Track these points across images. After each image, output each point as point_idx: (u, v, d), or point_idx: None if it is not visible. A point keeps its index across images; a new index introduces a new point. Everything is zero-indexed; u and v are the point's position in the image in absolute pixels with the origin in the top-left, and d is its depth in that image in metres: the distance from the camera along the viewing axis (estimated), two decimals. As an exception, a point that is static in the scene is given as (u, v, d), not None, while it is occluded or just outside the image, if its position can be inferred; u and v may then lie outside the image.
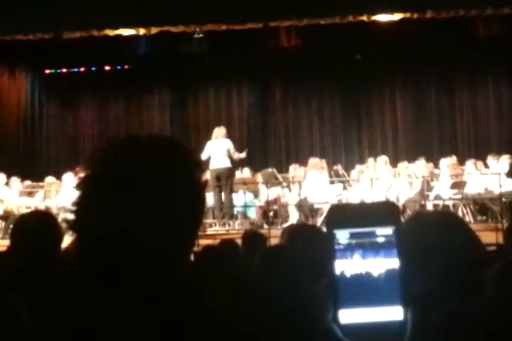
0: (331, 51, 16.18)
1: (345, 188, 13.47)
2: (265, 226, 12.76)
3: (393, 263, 1.24)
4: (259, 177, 13.92)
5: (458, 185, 12.55)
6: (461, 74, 17.29)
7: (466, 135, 17.52)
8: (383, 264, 1.24)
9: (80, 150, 17.79)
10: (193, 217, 1.27)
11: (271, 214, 13.28)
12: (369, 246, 1.24)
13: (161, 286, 1.21)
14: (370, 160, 14.44)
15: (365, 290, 1.23)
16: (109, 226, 1.21)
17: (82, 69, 18.46)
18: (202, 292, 1.30)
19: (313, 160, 13.71)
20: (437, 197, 12.67)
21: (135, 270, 1.20)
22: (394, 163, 14.24)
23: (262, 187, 13.47)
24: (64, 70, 18.55)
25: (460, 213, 12.66)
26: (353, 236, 1.24)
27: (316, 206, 12.92)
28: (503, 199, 11.97)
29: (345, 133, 17.97)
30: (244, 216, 13.23)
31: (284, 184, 13.68)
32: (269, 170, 13.84)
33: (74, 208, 1.26)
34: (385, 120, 18.08)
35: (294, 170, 14.00)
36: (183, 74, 17.42)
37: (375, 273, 1.24)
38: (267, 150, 17.84)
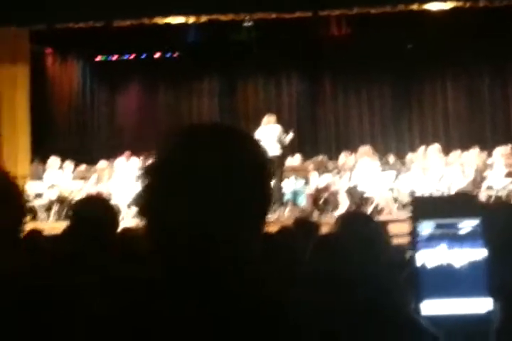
0: (381, 40, 16.04)
1: (396, 177, 13.34)
2: (315, 213, 12.74)
3: (478, 254, 1.20)
4: (309, 164, 13.89)
5: (512, 174, 12.37)
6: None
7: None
8: (468, 255, 1.21)
9: (130, 136, 17.94)
10: (260, 204, 1.27)
11: (321, 201, 13.24)
12: (454, 237, 1.21)
13: (228, 274, 1.21)
14: (422, 148, 14.28)
15: (448, 281, 1.19)
16: (177, 213, 1.21)
17: (132, 56, 18.60)
18: (274, 281, 1.29)
19: (364, 148, 13.61)
20: (490, 187, 12.49)
21: (202, 257, 1.21)
22: (445, 152, 14.06)
23: (312, 175, 13.44)
24: (114, 57, 18.71)
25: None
26: (438, 227, 1.21)
27: (366, 194, 12.85)
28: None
29: (395, 122, 17.82)
30: (294, 203, 13.21)
31: (335, 171, 13.63)
32: (320, 157, 13.80)
33: (142, 194, 1.27)
34: (437, 109, 17.88)
35: (345, 158, 13.93)
36: (232, 61, 17.43)
37: (459, 265, 1.20)
38: (317, 139, 17.78)
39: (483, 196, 12.48)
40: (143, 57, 18.55)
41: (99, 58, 18.74)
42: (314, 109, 18.30)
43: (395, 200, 13.12)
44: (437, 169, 12.82)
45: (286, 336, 1.17)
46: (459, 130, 17.31)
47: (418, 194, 11.70)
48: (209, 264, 1.21)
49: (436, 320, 1.19)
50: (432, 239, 1.22)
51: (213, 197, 1.21)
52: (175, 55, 18.48)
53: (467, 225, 1.23)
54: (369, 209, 12.55)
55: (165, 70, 18.21)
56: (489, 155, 13.72)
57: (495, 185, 12.41)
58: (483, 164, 13.38)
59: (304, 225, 6.19)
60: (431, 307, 1.19)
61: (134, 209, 13.13)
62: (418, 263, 1.20)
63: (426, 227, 1.22)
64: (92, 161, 14.83)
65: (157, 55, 18.54)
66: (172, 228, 1.22)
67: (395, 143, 17.45)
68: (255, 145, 1.30)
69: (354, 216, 4.90)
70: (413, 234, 1.21)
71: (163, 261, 1.24)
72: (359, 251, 3.02)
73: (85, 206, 3.41)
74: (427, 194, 11.59)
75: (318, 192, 13.09)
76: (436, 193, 11.68)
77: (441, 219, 1.22)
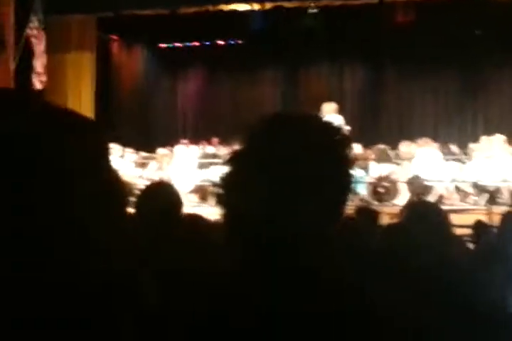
0: (447, 27, 15.77)
1: (459, 167, 13.18)
2: (375, 202, 12.67)
3: None
4: (370, 153, 13.80)
5: None
6: None
7: None
8: None
9: (190, 124, 18.07)
10: (340, 194, 1.26)
11: (381, 190, 13.16)
12: None
13: (305, 268, 1.20)
14: (485, 138, 14.05)
15: None
16: (256, 203, 1.20)
17: (195, 43, 18.68)
18: (352, 271, 1.28)
19: (426, 139, 13.48)
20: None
21: (278, 250, 1.19)
22: (510, 142, 13.80)
23: (372, 164, 13.36)
24: (178, 45, 18.82)
25: None
26: None
27: (427, 184, 12.72)
28: None
29: (459, 112, 17.56)
30: (354, 192, 13.14)
31: (396, 161, 13.52)
32: (381, 146, 13.70)
33: (223, 183, 1.26)
34: (503, 99, 17.54)
35: (406, 147, 13.80)
36: (296, 49, 17.36)
37: None
38: (379, 127, 17.63)
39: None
40: (206, 44, 18.62)
41: (163, 45, 18.89)
42: (377, 97, 18.15)
43: (458, 190, 12.97)
44: (501, 159, 12.61)
45: (374, 326, 1.15)
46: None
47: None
48: (286, 258, 1.19)
49: None
50: None
51: (296, 189, 1.19)
52: (239, 42, 18.50)
53: None
54: (430, 199, 12.43)
55: (228, 58, 18.22)
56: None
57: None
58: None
59: (366, 214, 6.17)
60: None
61: (194, 197, 13.30)
62: None
63: None
64: (152, 148, 14.97)
65: (221, 42, 18.59)
66: (251, 220, 1.20)
67: (457, 133, 17.21)
68: (339, 134, 1.29)
69: (423, 205, 4.88)
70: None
71: (240, 252, 1.23)
72: (428, 241, 3.01)
73: (153, 191, 3.45)
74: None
75: (379, 181, 13.01)
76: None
77: None
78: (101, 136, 1.09)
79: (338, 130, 1.30)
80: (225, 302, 1.19)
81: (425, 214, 3.74)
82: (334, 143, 1.27)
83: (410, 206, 4.37)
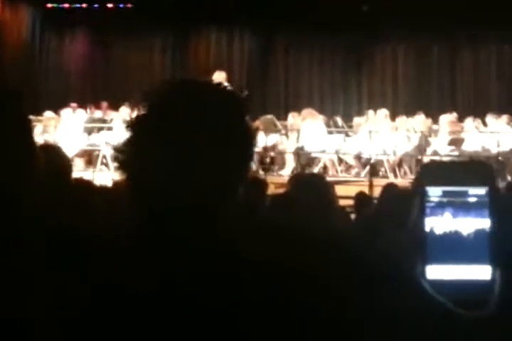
0: (337, 1, 16.00)
1: (343, 139, 13.49)
2: (261, 172, 12.82)
3: (483, 223, 1.25)
4: (257, 123, 13.90)
5: (456, 141, 12.59)
6: (464, 30, 17.13)
7: (466, 92, 17.50)
8: (473, 224, 1.25)
9: (77, 88, 17.70)
10: (242, 160, 1.28)
11: (267, 161, 13.32)
12: (460, 205, 1.25)
13: (206, 232, 1.21)
14: (370, 112, 14.42)
15: (453, 248, 1.24)
16: (159, 168, 1.21)
17: (84, 5, 18.24)
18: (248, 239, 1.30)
19: (306, 110, 13.63)
20: (434, 153, 12.72)
21: (180, 213, 1.21)
22: (392, 116, 14.22)
23: (259, 134, 13.46)
24: (66, 5, 18.33)
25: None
26: (445, 194, 1.25)
27: (313, 155, 12.98)
28: (500, 158, 12.04)
29: (345, 84, 17.91)
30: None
31: (283, 131, 13.68)
32: (268, 116, 13.82)
33: (124, 148, 1.26)
34: (386, 74, 18.02)
35: (293, 118, 13.98)
36: (186, 15, 17.22)
37: (465, 232, 1.25)
38: (267, 97, 17.77)
39: (427, 161, 12.72)
40: (95, 6, 18.21)
41: (50, 5, 18.35)
42: (265, 67, 18.25)
43: (341, 162, 13.30)
44: (384, 133, 12.99)
45: (269, 297, 1.18)
46: (407, 96, 17.49)
47: (426, 159, 11.74)
48: (186, 221, 1.21)
49: (439, 285, 1.25)
50: (439, 206, 1.26)
51: (196, 154, 1.21)
52: (128, 5, 18.16)
53: (474, 194, 1.27)
54: (315, 170, 12.70)
55: (117, 21, 17.90)
56: (434, 121, 13.94)
57: (439, 151, 12.63)
58: (428, 130, 13.60)
59: (255, 184, 6.23)
60: (435, 272, 1.25)
61: (79, 161, 13.11)
62: (426, 229, 1.26)
63: (433, 193, 1.26)
64: (40, 112, 14.60)
65: (109, 5, 18.21)
66: (149, 186, 1.22)
67: (342, 106, 17.57)
68: (242, 103, 1.31)
69: (309, 176, 4.98)
70: (421, 199, 1.25)
71: (142, 217, 1.24)
72: (313, 210, 3.11)
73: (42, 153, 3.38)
74: (438, 160, 11.56)
75: (265, 151, 13.16)
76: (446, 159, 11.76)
77: (449, 187, 1.26)
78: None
79: (240, 99, 1.32)
80: (131, 266, 1.20)
81: (311, 184, 3.84)
82: (237, 111, 1.29)
83: (297, 177, 4.47)
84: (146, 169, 1.22)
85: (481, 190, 1.24)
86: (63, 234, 1.31)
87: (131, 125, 1.27)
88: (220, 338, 1.16)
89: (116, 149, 1.28)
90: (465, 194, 1.23)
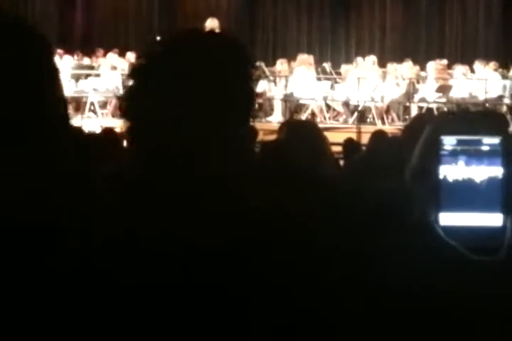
0: None
1: (332, 86, 13.47)
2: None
3: (496, 171, 1.29)
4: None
5: (444, 88, 12.61)
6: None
7: (453, 39, 17.45)
8: (486, 172, 1.29)
9: (70, 32, 17.46)
10: (244, 108, 1.30)
11: (256, 107, 13.30)
12: (474, 154, 1.29)
13: (206, 175, 1.25)
14: (359, 59, 14.37)
15: (466, 196, 1.28)
16: (160, 113, 1.25)
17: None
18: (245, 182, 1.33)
19: (302, 56, 13.62)
20: (422, 100, 12.76)
21: (179, 157, 1.25)
22: (380, 63, 14.19)
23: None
24: None
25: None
26: (459, 143, 1.29)
27: (301, 102, 12.98)
28: (487, 105, 12.09)
29: (333, 31, 17.79)
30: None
31: (271, 78, 13.64)
32: (256, 63, 13.74)
33: (127, 95, 1.30)
34: (374, 21, 17.90)
35: (281, 65, 13.92)
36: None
37: (478, 180, 1.29)
38: (255, 44, 17.62)
39: (414, 108, 12.76)
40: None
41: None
42: (253, 12, 18.07)
43: (329, 109, 13.31)
44: (372, 80, 12.98)
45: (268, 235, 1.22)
46: (394, 42, 17.42)
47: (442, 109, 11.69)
48: (191, 165, 1.25)
49: (452, 231, 1.30)
50: (453, 154, 1.30)
51: (198, 100, 1.24)
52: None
53: (488, 143, 1.31)
54: (303, 117, 12.72)
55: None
56: (422, 69, 13.93)
57: (427, 98, 12.66)
58: (416, 77, 13.60)
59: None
60: (449, 218, 1.30)
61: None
62: (440, 177, 1.29)
63: (448, 142, 1.30)
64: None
65: None
66: (156, 130, 1.25)
67: (331, 52, 17.48)
68: (244, 53, 1.32)
69: (301, 123, 4.98)
70: (436, 148, 1.28)
71: (144, 161, 1.28)
72: (305, 156, 3.15)
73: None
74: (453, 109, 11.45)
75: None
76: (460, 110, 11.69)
77: (463, 136, 1.30)
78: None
79: (244, 48, 1.33)
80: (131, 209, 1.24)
81: (303, 131, 3.85)
82: (239, 60, 1.31)
83: (288, 123, 4.48)
84: (149, 115, 1.26)
85: (495, 139, 1.28)
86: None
87: (135, 72, 1.30)
88: (232, 280, 1.20)
89: (122, 96, 1.31)
90: (479, 143, 1.27)
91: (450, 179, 1.29)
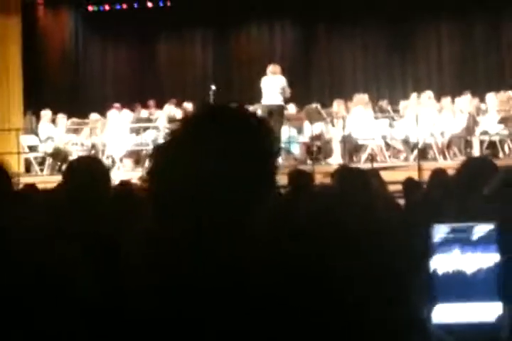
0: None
1: (390, 124, 13.40)
2: (308, 161, 12.83)
3: (492, 258, 1.24)
4: (302, 113, 13.89)
5: (506, 120, 12.40)
6: (509, 6, 16.83)
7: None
8: (481, 260, 1.24)
9: (121, 88, 17.88)
10: (263, 180, 1.36)
11: (314, 149, 13.30)
12: (468, 242, 1.25)
13: (232, 238, 1.32)
14: (414, 95, 14.27)
15: (460, 286, 1.24)
16: (185, 185, 1.32)
17: (124, 6, 18.42)
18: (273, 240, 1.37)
19: (358, 96, 13.61)
20: (484, 133, 12.55)
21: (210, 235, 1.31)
22: (438, 98, 14.06)
23: (305, 123, 13.46)
24: (107, 7, 18.53)
25: (507, 149, 12.56)
26: (452, 230, 1.26)
27: (360, 142, 12.92)
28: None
29: (389, 68, 17.75)
30: (288, 152, 13.28)
31: (328, 119, 13.64)
32: (313, 105, 13.78)
33: (153, 172, 1.38)
34: (430, 55, 17.79)
35: (338, 106, 13.93)
36: (225, 10, 17.28)
37: (471, 269, 1.24)
38: (311, 86, 17.71)
39: (476, 142, 12.58)
40: (135, 6, 18.38)
41: (91, 8, 18.57)
42: (308, 55, 18.19)
43: (389, 147, 13.21)
44: (430, 115, 12.85)
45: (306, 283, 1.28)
46: (452, 76, 17.24)
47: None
48: (211, 229, 1.31)
49: (447, 327, 1.25)
50: (446, 244, 1.27)
51: (219, 174, 1.31)
52: (168, 4, 18.30)
53: (482, 230, 1.27)
54: (363, 157, 12.66)
55: (157, 20, 18.03)
56: (481, 101, 13.74)
57: (489, 131, 12.46)
58: (475, 110, 13.41)
59: (299, 177, 6.23)
60: (444, 312, 1.26)
61: (128, 161, 13.26)
62: (432, 268, 1.26)
63: (440, 231, 1.27)
64: (84, 114, 14.80)
65: (149, 4, 18.35)
66: (180, 196, 1.32)
67: (388, 90, 17.42)
68: (267, 131, 1.40)
69: (348, 169, 4.98)
70: (428, 238, 1.26)
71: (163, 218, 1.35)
72: (355, 199, 3.12)
73: (79, 161, 3.46)
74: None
75: (312, 140, 13.15)
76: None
77: (455, 224, 1.27)
78: None
79: (267, 127, 1.41)
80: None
81: (350, 177, 3.89)
82: (261, 140, 1.38)
83: (337, 171, 4.52)
84: (174, 182, 1.33)
85: (489, 226, 1.23)
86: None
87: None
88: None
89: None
90: (472, 230, 1.23)
91: (443, 270, 1.25)
